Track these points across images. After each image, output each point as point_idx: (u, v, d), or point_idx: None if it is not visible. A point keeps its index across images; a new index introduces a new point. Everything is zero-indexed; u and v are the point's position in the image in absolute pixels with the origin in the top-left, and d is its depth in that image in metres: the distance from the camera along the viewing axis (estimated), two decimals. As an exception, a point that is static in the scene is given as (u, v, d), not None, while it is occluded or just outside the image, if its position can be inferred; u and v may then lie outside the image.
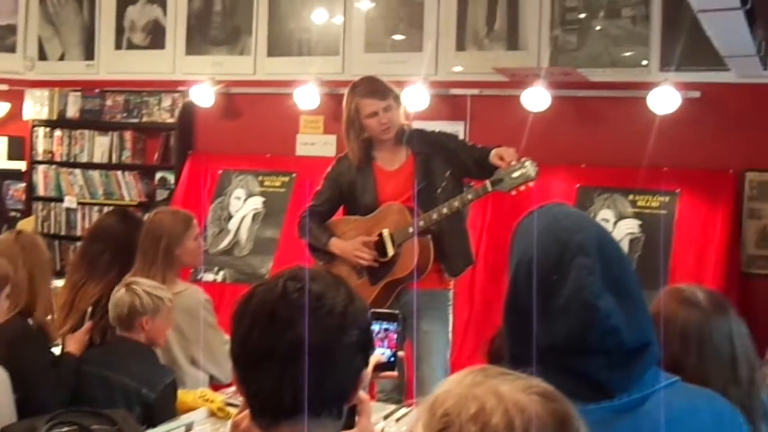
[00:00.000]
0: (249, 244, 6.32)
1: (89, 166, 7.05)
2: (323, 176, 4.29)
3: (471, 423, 1.03)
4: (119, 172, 6.96)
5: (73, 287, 3.67)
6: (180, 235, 3.72)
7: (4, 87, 7.22)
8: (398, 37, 6.26)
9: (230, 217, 6.44)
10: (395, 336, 2.08)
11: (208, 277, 6.19)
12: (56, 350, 3.49)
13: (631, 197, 5.50)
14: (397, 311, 2.19)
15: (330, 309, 1.52)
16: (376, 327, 2.00)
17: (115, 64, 7.07)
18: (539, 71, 5.58)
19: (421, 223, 3.95)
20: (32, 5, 7.29)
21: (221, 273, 6.29)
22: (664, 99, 5.34)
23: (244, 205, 6.43)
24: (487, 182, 3.87)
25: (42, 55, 7.30)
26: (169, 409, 3.16)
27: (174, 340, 3.58)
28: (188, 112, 6.73)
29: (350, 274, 4.06)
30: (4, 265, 3.28)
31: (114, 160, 6.99)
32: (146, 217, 4.25)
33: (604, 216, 5.47)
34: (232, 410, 3.01)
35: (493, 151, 3.91)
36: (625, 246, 5.27)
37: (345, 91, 4.20)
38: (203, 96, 6.47)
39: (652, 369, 1.53)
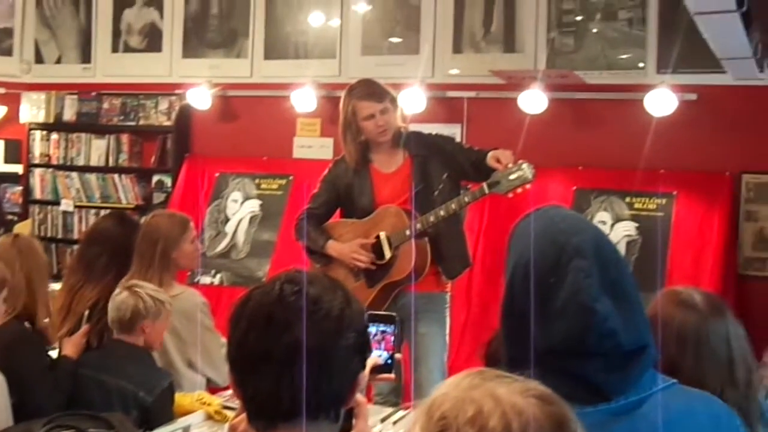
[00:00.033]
0: (246, 247, 6.32)
1: (86, 169, 7.05)
2: (320, 179, 4.30)
3: (468, 426, 1.03)
4: (116, 175, 6.96)
5: (70, 290, 3.66)
6: (177, 238, 3.72)
7: (0, 90, 7.21)
8: (395, 39, 6.27)
9: (227, 219, 6.43)
10: (392, 338, 2.07)
11: (205, 279, 6.19)
12: (53, 353, 3.49)
13: (628, 199, 5.50)
14: (394, 313, 2.19)
15: (327, 312, 1.52)
16: (373, 329, 2.00)
17: (111, 67, 7.07)
18: (536, 74, 5.58)
19: (418, 225, 3.95)
20: (29, 8, 7.29)
21: (218, 276, 6.28)
22: (661, 101, 5.34)
23: (241, 208, 6.43)
24: (484, 185, 3.87)
25: (39, 59, 7.29)
26: (166, 413, 3.15)
27: (171, 343, 3.58)
28: (185, 115, 6.72)
29: (347, 276, 4.06)
30: (1, 269, 3.28)
31: (111, 163, 6.99)
32: (143, 220, 4.25)
33: (601, 218, 5.47)
34: (230, 413, 3.01)
35: (490, 154, 3.91)
36: (621, 248, 5.28)
37: (342, 93, 4.20)
38: (200, 99, 6.47)
39: (650, 371, 1.53)
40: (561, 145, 5.67)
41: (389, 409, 3.33)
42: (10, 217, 7.10)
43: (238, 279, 6.19)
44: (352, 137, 4.12)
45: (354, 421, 1.64)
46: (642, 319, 1.55)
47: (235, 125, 6.67)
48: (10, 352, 3.20)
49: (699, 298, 2.09)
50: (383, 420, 3.15)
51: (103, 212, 6.56)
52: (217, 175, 6.54)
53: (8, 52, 7.28)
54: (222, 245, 6.37)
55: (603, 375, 1.48)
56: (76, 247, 6.32)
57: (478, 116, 5.96)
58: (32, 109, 7.15)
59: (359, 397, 1.62)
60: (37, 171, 7.17)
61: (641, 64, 5.63)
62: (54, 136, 7.14)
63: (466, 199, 3.96)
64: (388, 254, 4.05)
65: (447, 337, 4.22)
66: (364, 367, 1.60)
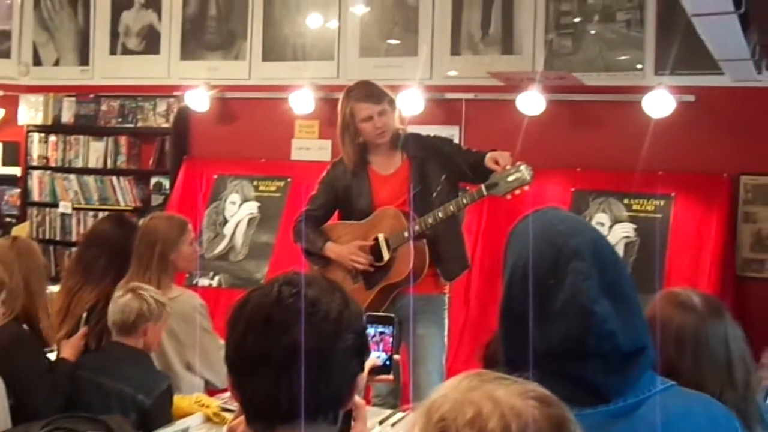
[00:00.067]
0: (244, 249, 6.32)
1: (84, 171, 7.05)
2: (318, 181, 4.30)
3: (467, 428, 1.03)
4: (114, 178, 6.96)
5: (69, 293, 3.65)
6: (175, 240, 3.71)
7: (-2, 92, 7.22)
8: (393, 41, 6.27)
9: (225, 221, 6.43)
10: (391, 339, 2.07)
11: (204, 282, 6.18)
12: (51, 356, 3.49)
13: (626, 201, 5.50)
14: (392, 314, 2.19)
15: (325, 314, 1.52)
16: (371, 330, 2.00)
17: (110, 70, 7.07)
18: (534, 75, 5.59)
19: (417, 227, 3.95)
20: (27, 10, 7.29)
21: (216, 278, 6.28)
22: (659, 103, 5.34)
23: (239, 210, 6.43)
24: (483, 186, 3.86)
25: (37, 61, 7.29)
26: (164, 416, 3.15)
27: (169, 346, 3.58)
28: (183, 117, 6.72)
29: (346, 278, 4.06)
30: (-1, 272, 3.28)
31: (109, 165, 6.99)
32: (141, 222, 4.25)
33: (600, 220, 5.47)
34: (228, 415, 3.01)
35: (488, 155, 3.91)
36: (620, 250, 5.28)
37: (340, 95, 4.20)
38: (198, 101, 6.47)
39: (648, 373, 1.53)
40: (559, 147, 5.67)
41: (388, 411, 3.32)
42: (8, 219, 7.09)
43: (236, 281, 6.19)
44: (350, 139, 4.12)
45: (353, 422, 1.64)
46: (640, 320, 1.55)
47: (234, 127, 6.67)
48: (8, 354, 3.20)
49: (697, 299, 2.09)
50: (382, 422, 3.15)
51: (101, 214, 6.56)
52: (215, 177, 6.54)
53: (6, 55, 7.27)
54: (220, 247, 6.37)
55: (601, 377, 1.48)
56: (74, 249, 6.32)
57: (476, 118, 5.96)
58: (30, 111, 7.15)
59: (358, 399, 1.62)
60: (35, 173, 7.17)
61: (639, 66, 5.63)
62: (52, 138, 7.14)
63: (465, 201, 3.96)
64: (386, 256, 4.05)
65: (445, 339, 4.22)
66: (362, 369, 1.60)
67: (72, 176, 7.05)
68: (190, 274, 5.78)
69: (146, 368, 3.29)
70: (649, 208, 5.44)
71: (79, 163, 7.07)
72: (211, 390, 3.63)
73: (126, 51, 7.02)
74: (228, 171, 6.54)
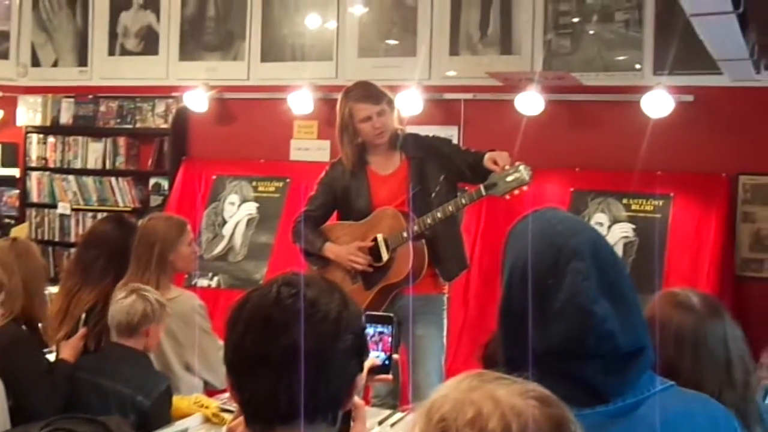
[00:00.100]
0: (243, 250, 6.32)
1: (83, 172, 7.04)
2: (317, 181, 4.29)
3: (468, 428, 1.03)
4: (113, 178, 6.96)
5: (68, 294, 3.65)
6: (174, 241, 3.71)
7: (-3, 93, 7.22)
8: (392, 41, 6.27)
9: (224, 222, 6.43)
10: (390, 339, 2.07)
11: (203, 282, 6.18)
12: (51, 357, 3.49)
13: (625, 201, 5.50)
14: (391, 314, 2.19)
15: (324, 314, 1.52)
16: (370, 330, 2.00)
17: (108, 70, 7.06)
18: (533, 75, 5.59)
19: (416, 227, 3.95)
20: (25, 11, 7.28)
21: (215, 278, 6.28)
22: (658, 103, 5.34)
23: (238, 211, 6.43)
24: (481, 186, 3.86)
25: (35, 62, 7.29)
26: (164, 417, 3.15)
27: (168, 346, 3.57)
28: (182, 117, 6.72)
29: (345, 279, 4.06)
30: (-2, 273, 3.28)
31: (108, 166, 6.99)
32: (140, 223, 4.24)
33: (598, 220, 5.47)
34: (227, 416, 3.00)
35: (487, 156, 3.91)
36: (619, 250, 5.28)
37: (339, 96, 4.20)
38: (197, 101, 6.47)
39: (647, 373, 1.53)
40: (558, 147, 5.67)
41: (387, 412, 3.32)
42: (7, 220, 7.09)
43: (235, 282, 6.18)
44: (349, 139, 4.12)
45: (352, 423, 1.64)
46: (640, 320, 1.55)
47: (232, 128, 6.67)
48: (7, 355, 3.20)
49: (696, 299, 2.09)
50: (381, 422, 3.14)
51: (100, 215, 6.56)
52: (214, 177, 6.54)
53: (5, 56, 7.27)
54: (219, 248, 6.37)
55: (601, 377, 1.48)
56: (73, 250, 6.33)
57: (474, 118, 5.96)
58: (29, 113, 7.15)
59: (357, 399, 1.62)
60: (34, 174, 7.17)
61: (638, 66, 5.63)
62: (51, 139, 7.14)
63: (463, 201, 3.95)
64: (385, 256, 4.05)
65: (445, 339, 4.22)
66: (361, 369, 1.60)
67: (71, 177, 7.05)
68: (189, 275, 5.78)
69: (145, 369, 3.28)
70: (648, 208, 5.44)
71: (77, 164, 7.06)
72: (210, 391, 3.63)
73: (124, 52, 7.02)
74: (227, 171, 6.54)
